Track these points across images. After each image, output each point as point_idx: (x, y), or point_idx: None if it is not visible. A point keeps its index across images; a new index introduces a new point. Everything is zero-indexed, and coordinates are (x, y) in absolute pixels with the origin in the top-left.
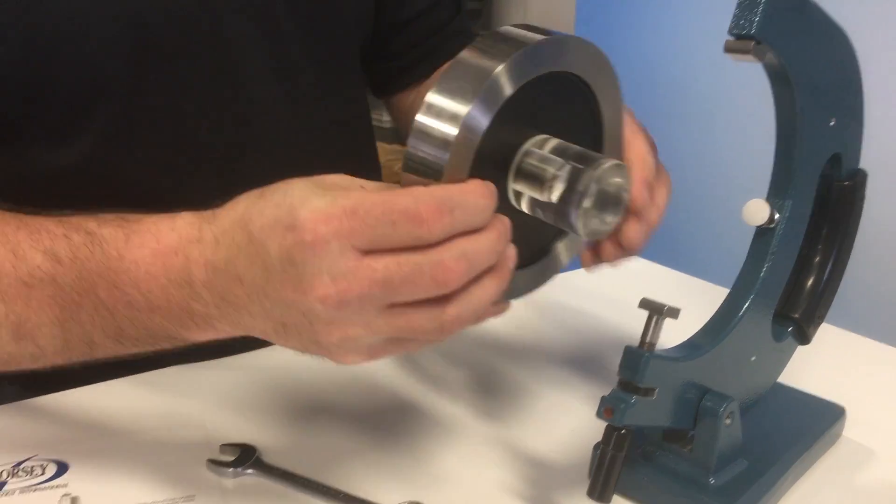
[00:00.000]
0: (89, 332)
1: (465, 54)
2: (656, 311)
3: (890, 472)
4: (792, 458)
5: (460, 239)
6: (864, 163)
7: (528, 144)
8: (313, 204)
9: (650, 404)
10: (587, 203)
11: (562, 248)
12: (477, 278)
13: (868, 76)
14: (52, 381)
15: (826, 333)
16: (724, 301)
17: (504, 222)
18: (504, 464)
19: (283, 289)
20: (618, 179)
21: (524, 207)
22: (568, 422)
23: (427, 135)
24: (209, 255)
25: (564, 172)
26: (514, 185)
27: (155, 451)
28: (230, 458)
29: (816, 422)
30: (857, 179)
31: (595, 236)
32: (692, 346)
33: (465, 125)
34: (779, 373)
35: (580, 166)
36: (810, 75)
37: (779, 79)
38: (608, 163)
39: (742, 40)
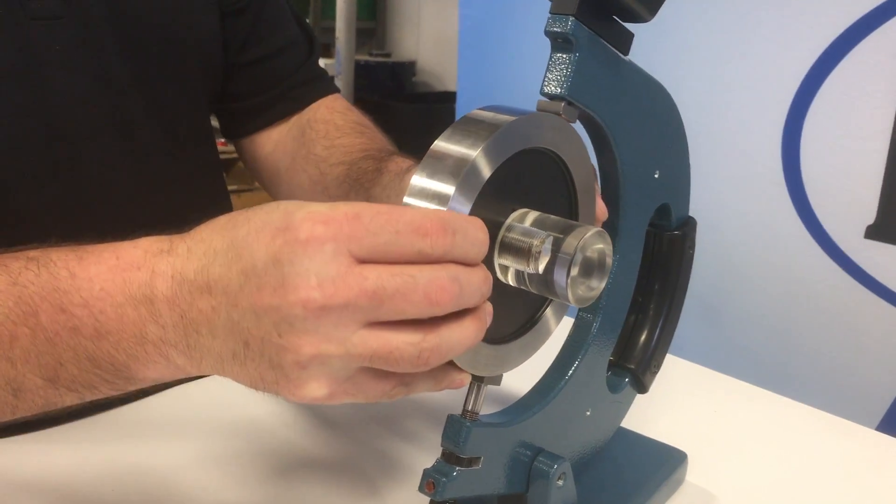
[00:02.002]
0: (20, 373)
1: (442, 142)
2: (477, 378)
3: None
4: None
5: (454, 265)
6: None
7: (510, 219)
8: (312, 207)
9: (476, 474)
10: (574, 271)
11: (549, 315)
12: (459, 316)
13: (693, 125)
14: None
15: (670, 366)
16: (555, 358)
17: (488, 272)
18: None
19: (259, 294)
20: (600, 245)
21: (510, 280)
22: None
23: None
24: (179, 266)
25: (548, 243)
26: (499, 260)
27: None
28: None
29: (658, 469)
30: (687, 228)
31: (583, 303)
32: (522, 408)
33: (451, 208)
34: (618, 423)
35: (562, 236)
36: (628, 131)
37: (597, 135)
38: (590, 230)
39: (553, 101)
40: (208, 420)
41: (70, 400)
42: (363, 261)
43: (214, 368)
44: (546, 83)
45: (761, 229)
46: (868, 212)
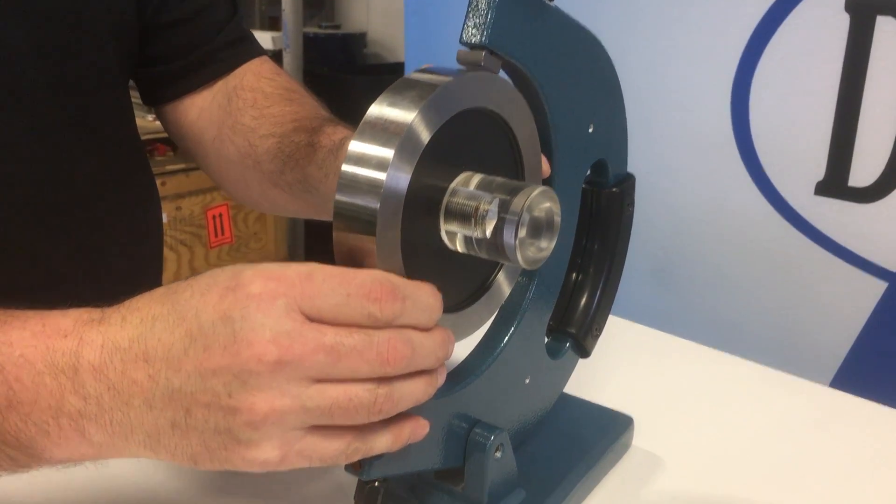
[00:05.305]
0: None
1: (378, 106)
2: None
3: (678, 479)
4: (575, 479)
5: (407, 329)
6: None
7: (454, 183)
8: (261, 266)
9: (407, 449)
10: (522, 232)
11: (502, 279)
12: (411, 375)
13: (643, 86)
14: None
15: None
16: (490, 324)
17: (451, 335)
18: None
19: (206, 354)
20: (547, 204)
21: (459, 247)
22: None
23: (355, 186)
24: (111, 335)
25: (494, 206)
26: (446, 227)
27: None
28: None
29: (603, 435)
30: (626, 185)
31: (534, 264)
32: (455, 378)
33: (391, 175)
34: (560, 390)
35: (508, 197)
36: (557, 81)
37: (524, 87)
38: (536, 189)
39: (474, 50)
40: None
41: None
42: (313, 320)
43: (143, 445)
44: (465, 31)
45: (712, 188)
46: (817, 168)
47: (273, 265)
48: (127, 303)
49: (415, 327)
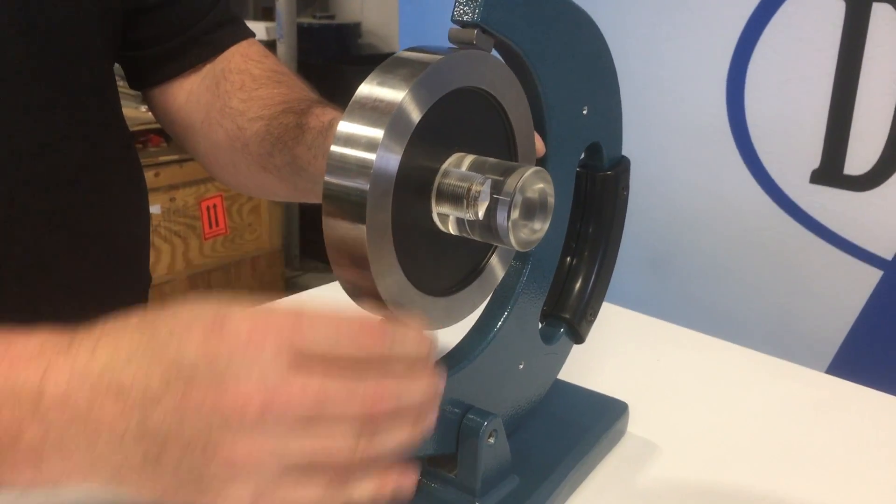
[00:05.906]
0: None
1: (367, 85)
2: None
3: (673, 465)
4: (570, 465)
5: (393, 380)
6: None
7: (446, 164)
8: (247, 310)
9: None
10: (515, 214)
11: (495, 262)
12: (396, 422)
13: (638, 74)
14: None
15: (611, 315)
16: (483, 309)
17: (437, 381)
18: None
19: (189, 396)
20: (540, 185)
21: (451, 229)
22: None
23: (344, 167)
24: (80, 364)
25: (486, 187)
26: (437, 209)
27: None
28: None
29: (598, 421)
30: (620, 168)
31: (527, 246)
32: (448, 363)
33: (381, 155)
34: (554, 375)
35: (500, 178)
36: (551, 62)
37: (517, 67)
38: (529, 170)
39: (466, 29)
40: None
41: None
42: (299, 366)
43: (108, 479)
44: (457, 9)
45: (707, 176)
46: (813, 156)
47: (259, 308)
48: (99, 329)
49: (403, 366)
